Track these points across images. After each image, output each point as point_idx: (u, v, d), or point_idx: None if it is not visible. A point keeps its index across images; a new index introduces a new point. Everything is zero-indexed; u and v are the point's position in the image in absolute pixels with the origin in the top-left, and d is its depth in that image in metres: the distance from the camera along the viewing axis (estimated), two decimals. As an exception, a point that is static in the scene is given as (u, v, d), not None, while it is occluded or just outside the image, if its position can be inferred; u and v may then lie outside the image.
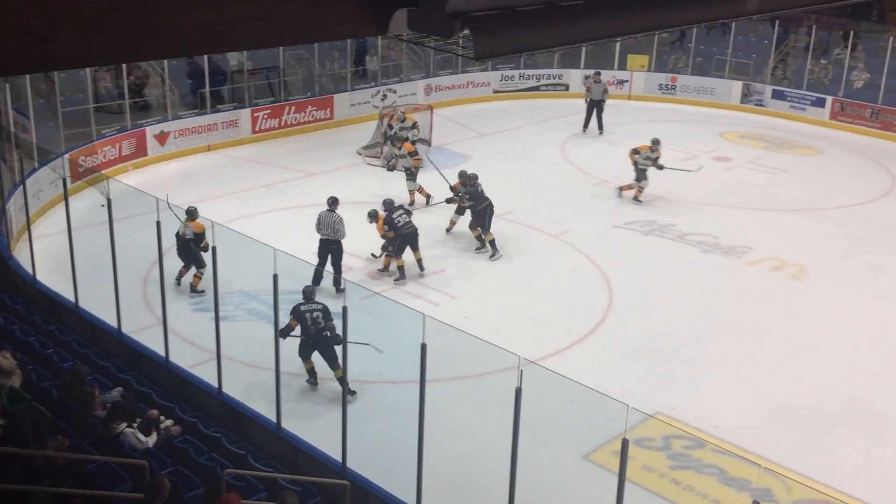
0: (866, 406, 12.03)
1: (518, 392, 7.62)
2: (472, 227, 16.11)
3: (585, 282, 15.21)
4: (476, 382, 11.77)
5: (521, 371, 7.49)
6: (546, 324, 13.69)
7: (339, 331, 10.32)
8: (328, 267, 14.05)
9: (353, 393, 11.21)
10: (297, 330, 11.31)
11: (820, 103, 26.16)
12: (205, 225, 13.51)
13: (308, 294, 11.48)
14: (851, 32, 27.01)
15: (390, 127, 20.90)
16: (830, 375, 12.74)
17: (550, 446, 10.53)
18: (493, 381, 11.06)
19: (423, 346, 8.25)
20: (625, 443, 7.16)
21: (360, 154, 21.36)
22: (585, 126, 24.20)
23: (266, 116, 22.74)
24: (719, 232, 17.49)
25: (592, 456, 10.57)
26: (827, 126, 25.66)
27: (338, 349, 11.00)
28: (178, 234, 13.88)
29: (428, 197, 18.19)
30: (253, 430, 10.40)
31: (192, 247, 13.89)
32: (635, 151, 18.80)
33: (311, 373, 11.73)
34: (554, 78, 28.31)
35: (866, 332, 14.01)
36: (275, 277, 9.79)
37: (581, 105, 24.79)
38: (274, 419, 10.28)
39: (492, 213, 15.97)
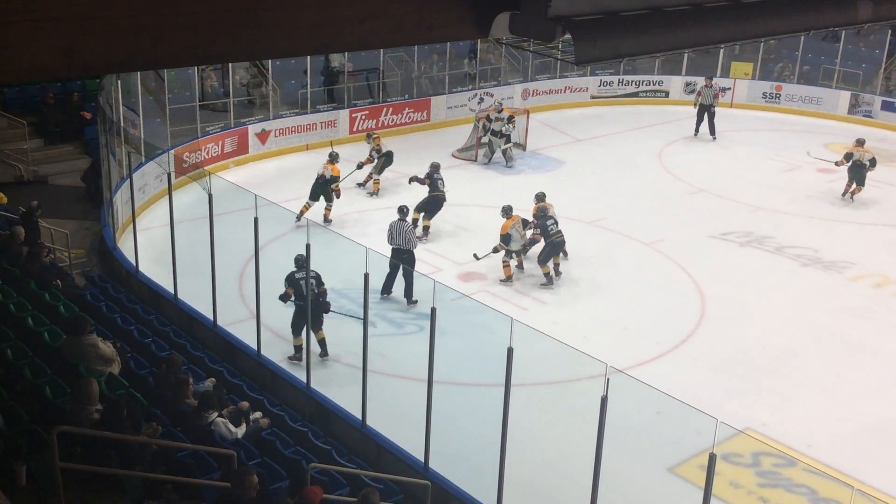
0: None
1: (604, 400, 7.56)
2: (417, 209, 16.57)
3: (678, 292, 14.95)
4: (562, 389, 11.69)
5: (608, 379, 7.42)
6: (635, 333, 13.51)
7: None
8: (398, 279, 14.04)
9: (326, 356, 11.96)
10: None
11: (933, 116, 25.21)
12: (340, 170, 17.13)
13: (300, 262, 11.62)
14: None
15: (489, 119, 21.06)
16: (933, 399, 12.24)
17: (635, 457, 10.39)
18: (579, 388, 10.93)
19: (510, 350, 8.27)
20: (712, 457, 7.03)
21: (456, 157, 21.47)
22: (697, 130, 23.91)
23: (364, 117, 23.05)
24: (820, 246, 16.98)
25: (678, 469, 10.39)
26: (939, 140, 24.68)
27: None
28: (318, 175, 16.93)
29: (367, 180, 19.10)
30: (338, 426, 10.57)
31: (327, 186, 16.85)
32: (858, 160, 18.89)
33: (298, 349, 11.91)
34: (654, 84, 27.89)
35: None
36: (366, 276, 9.93)
37: (685, 111, 24.40)
38: (359, 416, 10.43)
39: (440, 206, 16.69)
